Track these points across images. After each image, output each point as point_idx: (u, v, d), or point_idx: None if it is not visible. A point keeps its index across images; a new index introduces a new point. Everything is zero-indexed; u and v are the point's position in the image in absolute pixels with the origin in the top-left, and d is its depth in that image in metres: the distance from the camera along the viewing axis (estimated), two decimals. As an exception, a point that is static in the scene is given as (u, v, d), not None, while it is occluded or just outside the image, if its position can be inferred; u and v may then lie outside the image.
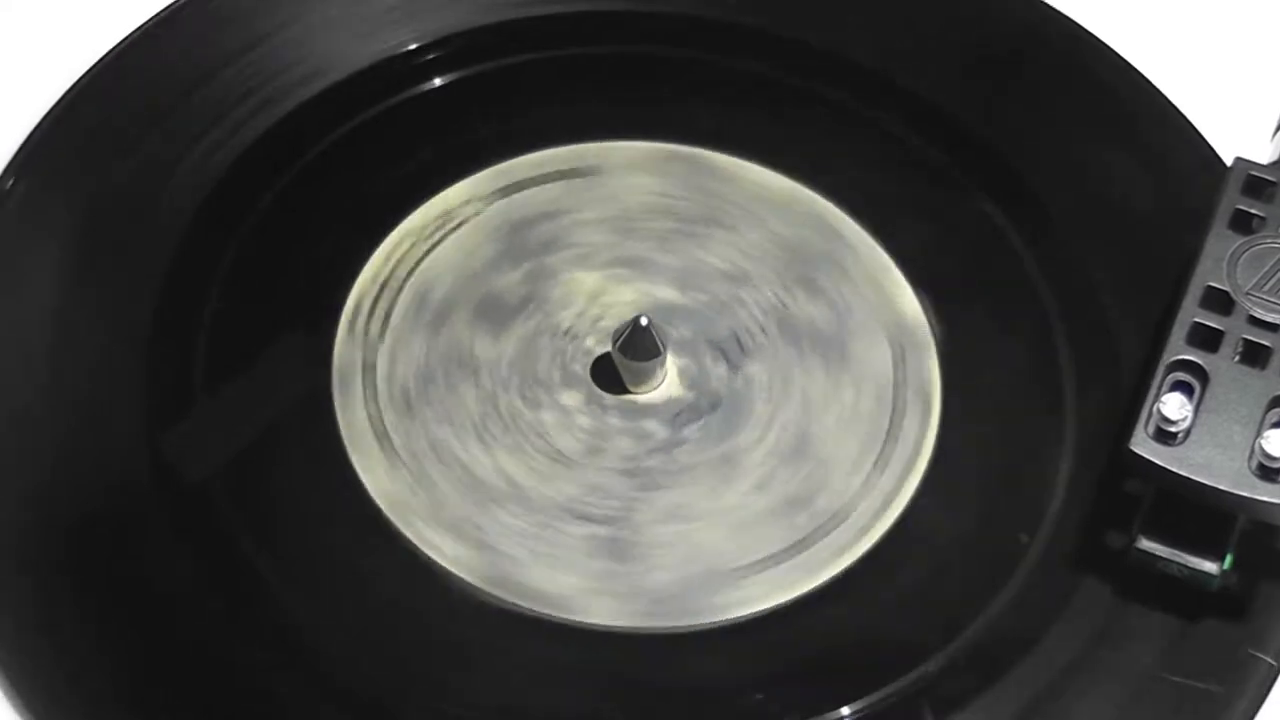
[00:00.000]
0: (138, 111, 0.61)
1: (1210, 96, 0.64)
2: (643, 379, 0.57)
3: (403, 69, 0.63)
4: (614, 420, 0.57)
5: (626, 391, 0.58)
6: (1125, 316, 0.59)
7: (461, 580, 0.53)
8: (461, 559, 0.54)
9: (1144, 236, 0.61)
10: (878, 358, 0.58)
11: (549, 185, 0.62)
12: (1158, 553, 0.53)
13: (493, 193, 0.61)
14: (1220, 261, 0.54)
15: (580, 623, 0.53)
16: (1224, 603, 0.54)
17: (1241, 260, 0.54)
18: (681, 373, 0.58)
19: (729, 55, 0.65)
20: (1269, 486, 0.51)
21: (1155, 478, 0.52)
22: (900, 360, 0.58)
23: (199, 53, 0.62)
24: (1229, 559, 0.53)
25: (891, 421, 0.57)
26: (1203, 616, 0.54)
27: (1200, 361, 0.53)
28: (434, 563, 0.54)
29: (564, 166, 0.62)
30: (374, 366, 0.58)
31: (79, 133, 0.61)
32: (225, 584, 0.53)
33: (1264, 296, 0.54)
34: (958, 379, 0.58)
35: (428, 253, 0.60)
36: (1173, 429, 0.52)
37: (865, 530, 0.55)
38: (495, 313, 0.59)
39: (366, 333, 0.58)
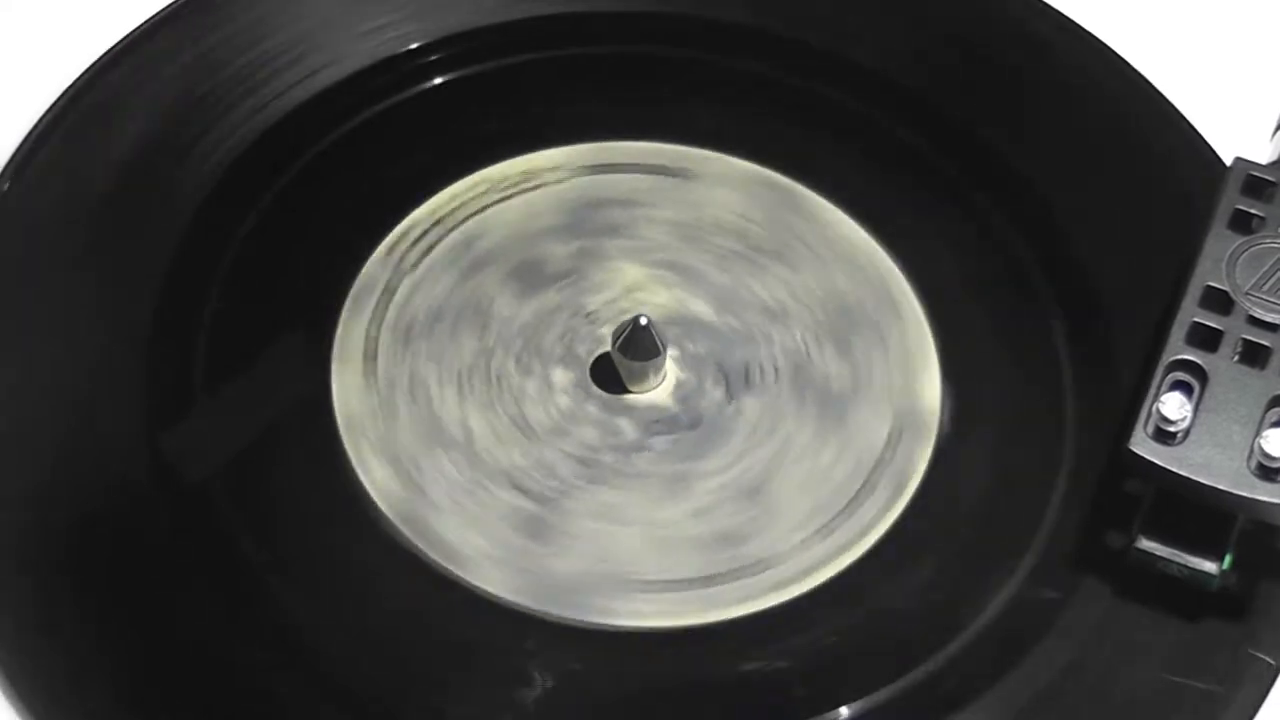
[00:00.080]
0: (137, 111, 0.61)
1: (1210, 96, 0.64)
2: (638, 378, 0.57)
3: (403, 69, 0.63)
4: (591, 409, 0.57)
5: (625, 390, 0.57)
6: (1125, 316, 0.59)
7: (391, 524, 0.54)
8: (386, 490, 0.55)
9: (1144, 236, 0.61)
10: (873, 431, 0.57)
11: (641, 176, 0.62)
12: (1158, 553, 0.53)
13: (583, 167, 0.62)
14: (1220, 261, 0.54)
15: (467, 583, 0.54)
16: (1224, 603, 0.54)
17: (1241, 260, 0.54)
18: (679, 385, 0.58)
19: (729, 55, 0.65)
20: (1268, 486, 0.51)
21: (1155, 478, 0.52)
22: (894, 441, 0.57)
23: (199, 53, 0.62)
24: (1229, 559, 0.53)
25: (856, 495, 0.56)
26: (1203, 616, 0.54)
27: (1200, 361, 0.53)
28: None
29: (664, 162, 0.62)
30: (394, 291, 0.58)
31: (78, 132, 0.61)
32: (225, 584, 0.53)
33: (1263, 296, 0.54)
34: (958, 378, 0.58)
35: (495, 203, 0.60)
36: (1172, 429, 0.52)
37: (777, 585, 0.54)
38: (530, 276, 0.59)
39: (402, 259, 0.59)
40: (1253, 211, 0.55)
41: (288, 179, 0.60)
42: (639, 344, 0.56)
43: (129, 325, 0.57)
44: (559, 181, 0.61)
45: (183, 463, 0.55)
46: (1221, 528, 0.53)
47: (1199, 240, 0.55)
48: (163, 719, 0.51)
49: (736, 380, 0.58)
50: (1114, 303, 0.60)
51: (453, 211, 0.60)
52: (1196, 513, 0.52)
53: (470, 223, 0.60)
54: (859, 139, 0.63)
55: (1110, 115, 0.64)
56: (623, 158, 0.62)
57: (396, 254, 0.59)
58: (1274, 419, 0.52)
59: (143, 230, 0.59)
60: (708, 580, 0.54)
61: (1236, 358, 0.53)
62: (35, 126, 0.60)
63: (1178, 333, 0.53)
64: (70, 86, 0.61)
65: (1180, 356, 0.53)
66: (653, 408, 0.57)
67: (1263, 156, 0.58)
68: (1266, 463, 0.51)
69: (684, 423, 0.57)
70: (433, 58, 0.63)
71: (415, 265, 0.59)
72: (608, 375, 0.58)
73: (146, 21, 0.63)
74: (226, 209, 0.59)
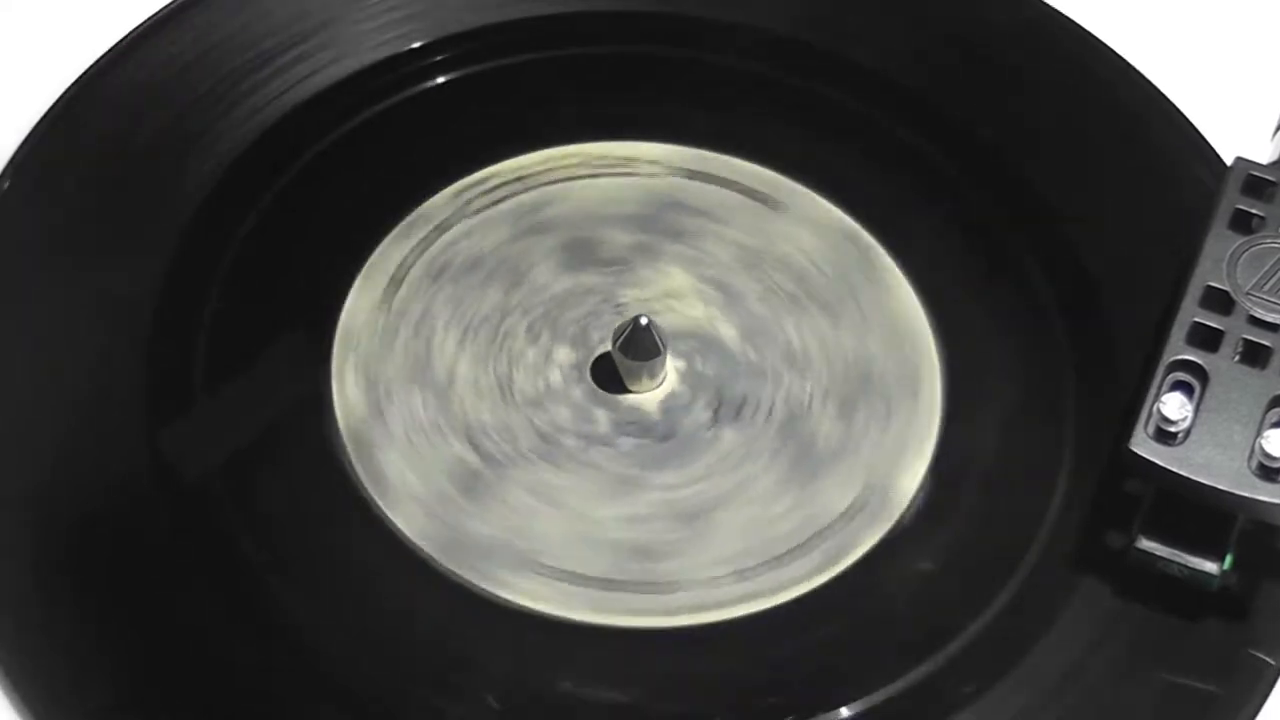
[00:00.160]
0: (137, 111, 0.61)
1: (1210, 96, 0.64)
2: (635, 377, 0.57)
3: (403, 68, 0.63)
4: (576, 392, 0.57)
5: (624, 390, 0.57)
6: (1125, 316, 0.59)
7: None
8: (348, 400, 0.56)
9: (1144, 236, 0.61)
10: (835, 499, 0.56)
11: (730, 193, 0.61)
12: (1158, 553, 0.53)
13: (681, 169, 0.62)
14: (1220, 261, 0.54)
15: (383, 515, 0.54)
16: (1224, 603, 0.54)
17: (1241, 260, 0.54)
18: (671, 396, 0.58)
19: (729, 55, 0.65)
20: (1269, 486, 0.51)
21: (1155, 478, 0.52)
22: (851, 515, 0.56)
23: (199, 53, 0.62)
24: (1229, 559, 0.53)
25: (790, 552, 0.55)
26: (1203, 616, 0.54)
27: (1200, 361, 0.53)
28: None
29: (758, 187, 0.62)
30: (447, 229, 0.59)
31: (78, 132, 0.61)
32: (225, 584, 0.53)
33: (1264, 296, 0.54)
34: (959, 378, 0.58)
35: (583, 177, 0.61)
36: (1173, 429, 0.52)
37: (669, 610, 0.53)
38: (580, 254, 0.60)
39: (469, 203, 0.60)
40: (1253, 211, 0.55)
41: (288, 179, 0.60)
42: (639, 344, 0.56)
43: (129, 325, 0.57)
44: (652, 175, 0.62)
45: (183, 462, 0.55)
46: (1222, 528, 0.53)
47: (1199, 240, 0.55)
48: (163, 719, 0.51)
49: (728, 409, 0.57)
50: (1114, 303, 0.60)
51: (538, 173, 0.61)
52: (1197, 513, 0.52)
53: (550, 188, 0.61)
54: (859, 139, 0.63)
55: (1110, 115, 0.64)
56: (722, 171, 0.62)
57: (465, 197, 0.60)
58: (1275, 419, 0.52)
59: (143, 230, 0.59)
60: (607, 583, 0.54)
61: (1237, 358, 0.53)
62: (36, 126, 0.60)
63: (1178, 333, 0.53)
64: (70, 86, 0.61)
65: (1181, 356, 0.53)
66: (635, 409, 0.57)
67: (1263, 156, 0.58)
68: (1267, 463, 0.51)
69: (658, 432, 0.57)
70: (434, 57, 0.63)
71: (477, 211, 0.60)
72: (608, 373, 0.58)
73: (146, 21, 0.63)
74: (226, 209, 0.59)
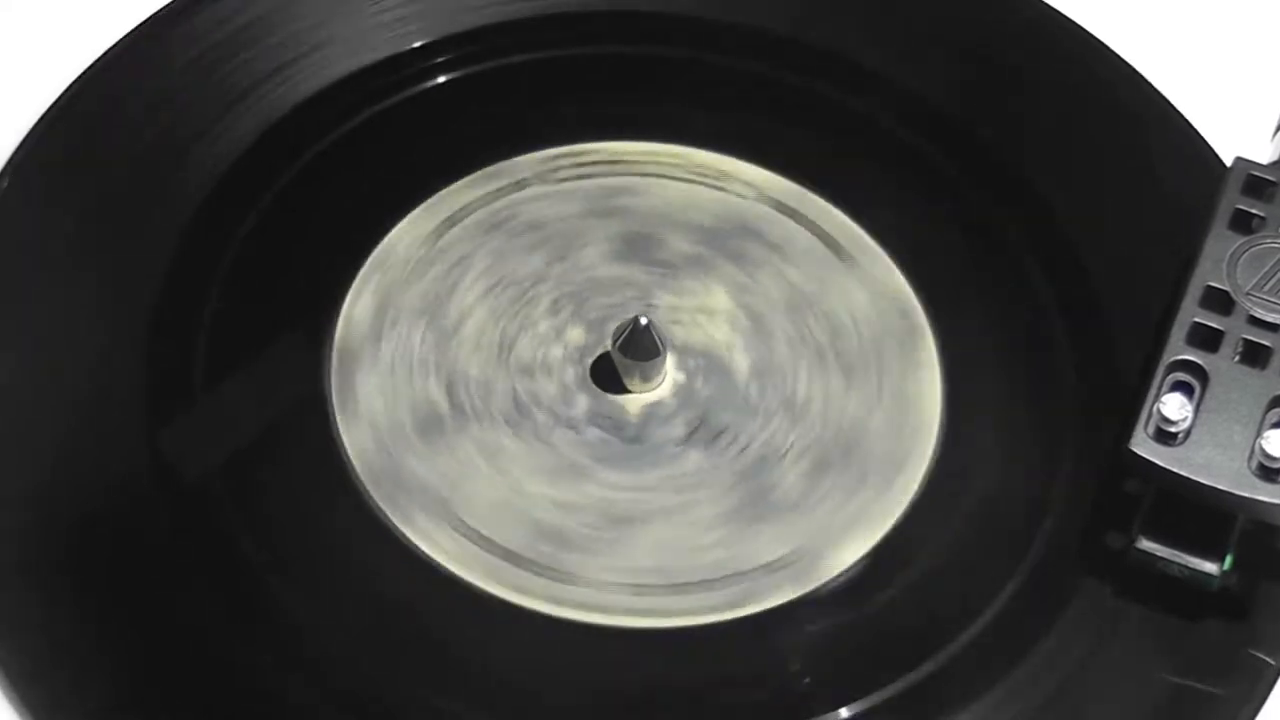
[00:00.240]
0: (137, 110, 0.61)
1: (1210, 96, 0.64)
2: (632, 376, 0.57)
3: (403, 68, 0.63)
4: (569, 373, 0.57)
5: (624, 390, 0.57)
6: (1125, 316, 0.59)
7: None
8: (354, 317, 0.57)
9: (1144, 236, 0.61)
10: (764, 550, 0.55)
11: (807, 234, 0.61)
12: (1158, 553, 0.53)
13: (771, 199, 0.61)
14: (1220, 261, 0.54)
15: (332, 438, 0.55)
16: (1224, 603, 0.54)
17: (1241, 260, 0.54)
18: (654, 404, 0.57)
19: (729, 55, 0.65)
20: (1269, 486, 0.51)
21: (1155, 478, 0.52)
22: (772, 569, 0.54)
23: (199, 52, 0.62)
24: (1229, 559, 0.53)
25: (694, 585, 0.54)
26: (1203, 616, 0.54)
27: (1200, 361, 0.53)
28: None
29: (835, 235, 0.61)
30: (523, 187, 0.60)
31: (78, 132, 0.61)
32: (225, 584, 0.53)
33: (1264, 296, 0.54)
34: (959, 378, 0.58)
35: (674, 179, 0.61)
36: (1173, 429, 0.52)
37: (554, 598, 0.53)
38: (634, 247, 0.60)
39: (554, 170, 0.61)
40: (1253, 211, 0.55)
41: (288, 179, 0.60)
42: (638, 344, 0.56)
43: (129, 325, 0.57)
44: (741, 197, 0.61)
45: (183, 462, 0.55)
46: (1222, 528, 0.53)
47: (1199, 240, 0.55)
48: (162, 719, 0.51)
49: (705, 433, 0.57)
50: (1114, 303, 0.60)
51: (633, 162, 0.61)
52: (1197, 513, 0.52)
53: (638, 179, 0.61)
54: (859, 139, 0.63)
55: (1110, 115, 0.64)
56: (809, 211, 0.61)
57: (553, 164, 0.61)
58: (1275, 419, 0.52)
59: (143, 230, 0.59)
60: (511, 556, 0.54)
61: (1237, 358, 0.53)
62: (35, 126, 0.60)
63: (1178, 333, 0.53)
64: (70, 86, 0.61)
65: (1181, 357, 0.53)
66: (616, 406, 0.57)
67: (1263, 156, 0.58)
68: (1267, 463, 0.51)
69: (628, 434, 0.57)
70: (435, 57, 0.63)
71: (561, 180, 0.60)
72: (609, 371, 0.58)
73: (146, 21, 0.63)
74: (226, 209, 0.59)
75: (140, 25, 0.63)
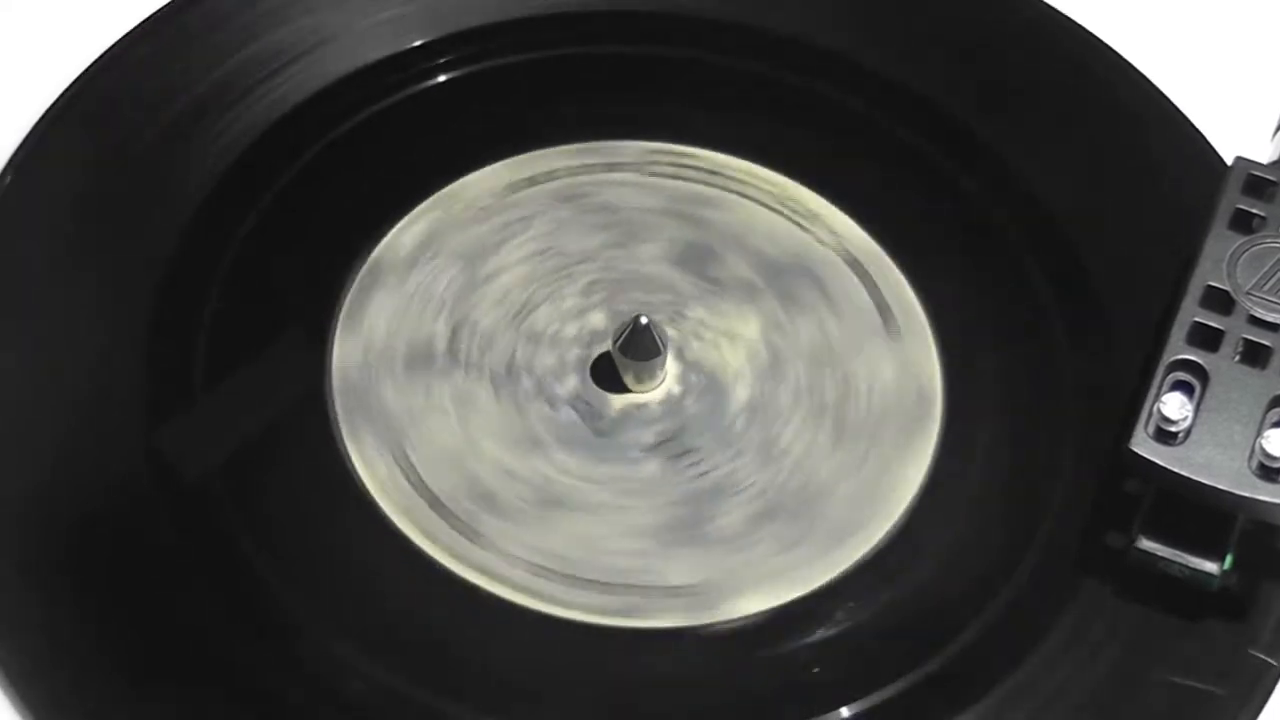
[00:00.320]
0: (137, 111, 0.61)
1: (1210, 96, 0.64)
2: (631, 375, 0.57)
3: (403, 68, 0.63)
4: (574, 352, 0.58)
5: (625, 390, 0.57)
6: (1125, 316, 0.59)
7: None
8: (400, 242, 0.59)
9: (1144, 236, 0.61)
10: (672, 573, 0.54)
11: (867, 297, 0.59)
12: (1158, 553, 0.53)
13: (848, 253, 0.60)
14: (1220, 261, 0.54)
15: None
16: (1224, 603, 0.54)
17: (1241, 260, 0.54)
18: (638, 406, 0.57)
19: (729, 55, 0.65)
20: (1269, 486, 0.51)
21: (1155, 478, 0.52)
22: (670, 594, 0.54)
23: (198, 52, 0.62)
24: (1229, 559, 0.53)
25: (587, 582, 0.54)
26: (1203, 616, 0.54)
27: (1200, 361, 0.53)
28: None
29: (892, 306, 0.59)
30: (615, 170, 0.61)
31: (78, 131, 0.61)
32: (225, 584, 0.53)
33: (1264, 296, 0.54)
34: (958, 378, 0.58)
35: (758, 204, 0.61)
36: (1173, 429, 0.52)
37: (465, 560, 0.53)
38: (691, 257, 0.60)
39: (654, 162, 0.61)
40: (1253, 211, 0.55)
41: (288, 178, 0.60)
42: (638, 344, 0.56)
43: (129, 325, 0.57)
44: (819, 241, 0.61)
45: (182, 462, 0.55)
46: (1222, 528, 0.53)
47: (1199, 240, 0.55)
48: (162, 719, 0.51)
49: (672, 448, 0.57)
50: (1114, 303, 0.60)
51: (731, 179, 0.61)
52: (1197, 513, 0.52)
53: (727, 195, 0.61)
54: (859, 139, 0.63)
55: (1111, 115, 0.64)
56: (877, 277, 0.60)
57: (652, 157, 0.61)
58: (1275, 419, 0.52)
59: (143, 230, 0.59)
60: (434, 500, 0.55)
61: (1237, 358, 0.53)
62: (35, 126, 0.60)
63: (1178, 333, 0.53)
64: (70, 85, 0.61)
65: (1181, 356, 0.53)
66: (601, 398, 0.57)
67: (1263, 156, 0.58)
68: (1267, 462, 0.51)
69: (599, 425, 0.57)
70: (435, 55, 0.63)
71: (653, 174, 0.61)
72: (607, 372, 0.58)
73: (146, 20, 0.63)
74: (226, 209, 0.59)
75: (140, 25, 0.63)
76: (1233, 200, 0.55)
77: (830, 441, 0.57)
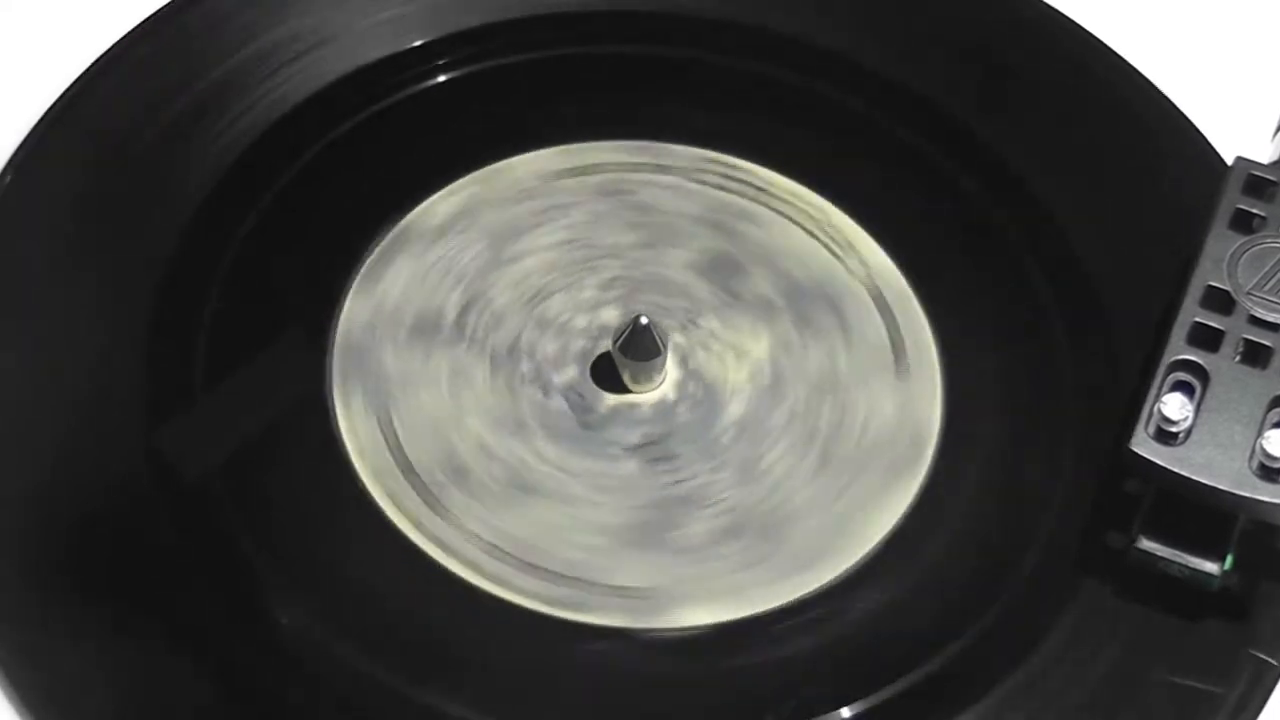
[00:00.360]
0: (137, 111, 0.61)
1: (1210, 96, 0.64)
2: (631, 374, 0.57)
3: (403, 68, 0.63)
4: (579, 343, 0.58)
5: (625, 390, 0.57)
6: (1125, 316, 0.59)
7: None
8: (435, 211, 0.59)
9: (1144, 236, 0.61)
10: (623, 575, 0.54)
11: (885, 332, 0.59)
12: (1158, 553, 0.53)
13: (875, 287, 0.60)
14: (1220, 261, 0.54)
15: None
16: (1224, 603, 0.54)
17: (1242, 260, 0.54)
18: (630, 405, 0.57)
19: (729, 55, 0.65)
20: (1269, 486, 0.51)
21: (1155, 478, 0.52)
22: (614, 593, 0.54)
23: (198, 52, 0.62)
24: (1229, 559, 0.53)
25: (536, 569, 0.54)
26: (1203, 616, 0.54)
27: (1201, 361, 0.53)
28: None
29: (908, 344, 0.59)
30: (664, 172, 0.61)
31: (78, 131, 0.61)
32: (225, 584, 0.53)
33: (1264, 296, 0.54)
34: (958, 378, 0.58)
35: (797, 226, 0.61)
36: (1173, 429, 0.52)
37: (429, 536, 0.54)
38: (717, 268, 0.60)
39: (704, 170, 0.61)
40: (1254, 211, 0.55)
41: (288, 179, 0.60)
42: (638, 344, 0.56)
43: (129, 325, 0.57)
44: (849, 270, 0.60)
45: (182, 462, 0.55)
46: (1222, 528, 0.53)
47: (1200, 240, 0.55)
48: (162, 719, 0.51)
49: (653, 452, 0.57)
50: (1114, 303, 0.60)
51: (775, 197, 0.61)
52: (1197, 513, 0.52)
53: (767, 213, 0.61)
54: (859, 139, 0.63)
55: (1111, 115, 0.64)
56: (901, 314, 0.59)
57: (702, 165, 0.62)
58: (1275, 419, 0.52)
59: (143, 230, 0.59)
60: (406, 466, 0.55)
61: (1238, 358, 0.53)
62: (35, 126, 0.60)
63: (1179, 333, 0.53)
64: (70, 85, 0.61)
65: (1181, 356, 0.53)
66: (595, 393, 0.57)
67: (1264, 156, 0.58)
68: (1268, 463, 0.51)
69: (587, 419, 0.57)
70: (435, 55, 0.63)
71: (698, 181, 0.61)
72: (607, 370, 0.58)
73: (146, 20, 0.63)
74: (226, 209, 0.59)
75: (140, 25, 0.63)
76: (1233, 200, 0.55)
77: (813, 469, 0.57)
